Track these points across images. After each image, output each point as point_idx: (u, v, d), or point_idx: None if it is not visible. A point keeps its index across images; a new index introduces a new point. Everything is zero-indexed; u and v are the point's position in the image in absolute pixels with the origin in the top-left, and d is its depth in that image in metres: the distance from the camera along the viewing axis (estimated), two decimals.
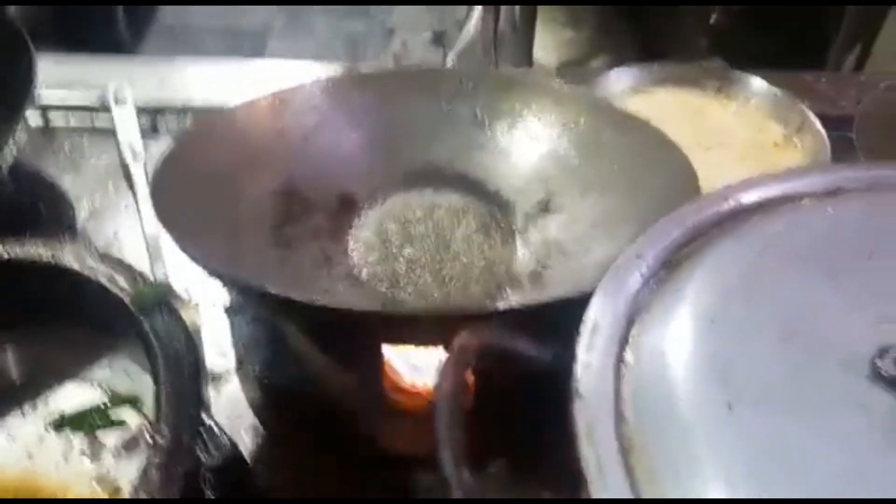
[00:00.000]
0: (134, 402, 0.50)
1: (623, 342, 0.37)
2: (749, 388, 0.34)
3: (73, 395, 0.52)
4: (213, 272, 0.50)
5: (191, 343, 0.44)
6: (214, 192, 0.59)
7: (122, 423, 0.50)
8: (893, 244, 0.40)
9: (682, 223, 0.43)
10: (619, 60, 0.92)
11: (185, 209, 0.54)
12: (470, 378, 0.44)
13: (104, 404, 0.51)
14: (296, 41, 2.46)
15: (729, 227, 0.42)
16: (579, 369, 0.36)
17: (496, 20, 0.75)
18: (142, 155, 0.75)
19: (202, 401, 0.42)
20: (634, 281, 0.40)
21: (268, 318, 0.62)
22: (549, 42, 1.19)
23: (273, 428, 0.57)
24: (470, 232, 0.65)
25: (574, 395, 0.35)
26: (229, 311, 0.63)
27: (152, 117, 0.82)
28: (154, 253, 0.66)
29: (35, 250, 0.50)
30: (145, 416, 0.49)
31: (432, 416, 0.35)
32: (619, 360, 0.37)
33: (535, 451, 0.47)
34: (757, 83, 0.79)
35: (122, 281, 0.46)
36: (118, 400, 0.51)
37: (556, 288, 0.59)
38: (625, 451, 0.34)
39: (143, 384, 0.51)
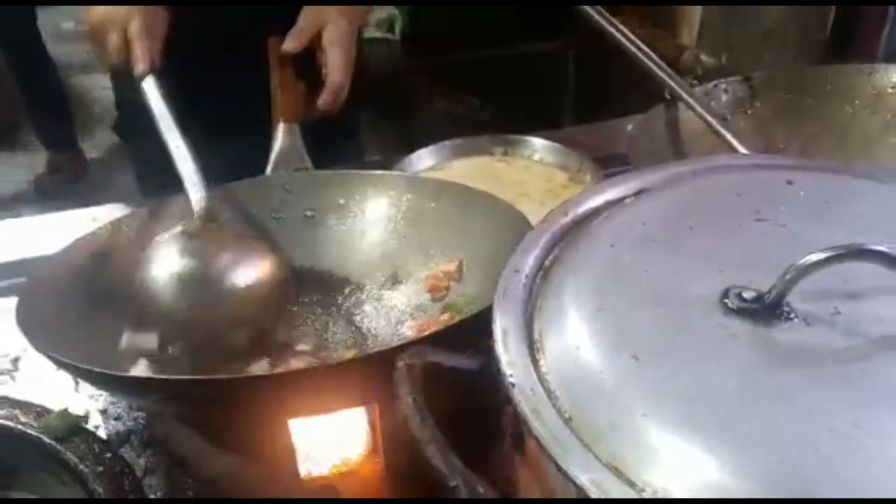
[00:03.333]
0: None
1: (530, 338, 0.43)
2: (644, 342, 0.41)
3: None
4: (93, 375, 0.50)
5: (119, 459, 0.43)
6: (76, 331, 0.59)
7: None
8: (704, 217, 0.50)
9: (539, 239, 0.50)
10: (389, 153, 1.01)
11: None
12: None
13: None
14: None
15: (576, 234, 0.50)
16: (505, 367, 0.41)
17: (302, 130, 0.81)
18: None
19: None
20: (520, 290, 0.46)
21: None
22: None
23: None
24: (325, 321, 0.69)
25: (510, 388, 0.40)
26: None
27: None
28: None
29: None
30: None
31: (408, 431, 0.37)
32: (533, 352, 0.42)
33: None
34: (536, 142, 0.92)
35: (23, 417, 0.44)
36: None
37: None
38: (566, 420, 0.39)
39: None
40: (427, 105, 2.01)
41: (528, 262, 0.48)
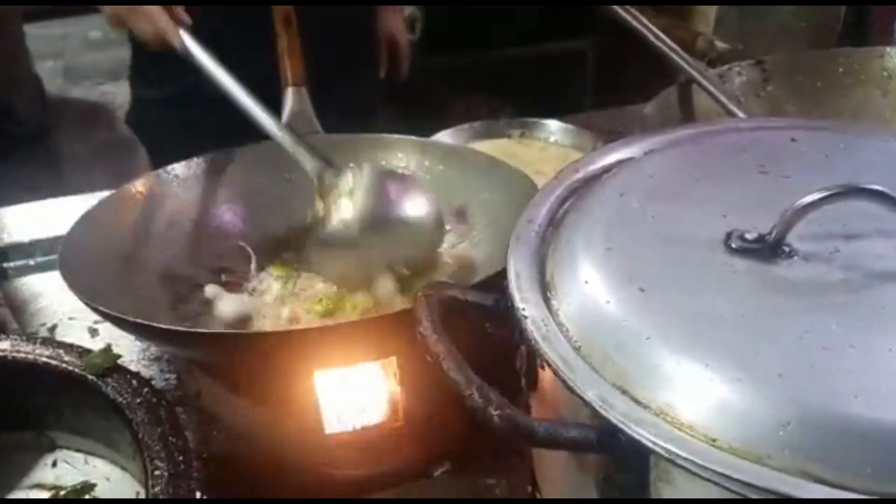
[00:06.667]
0: (85, 489, 0.50)
1: (542, 280, 0.46)
2: (650, 276, 0.43)
3: None
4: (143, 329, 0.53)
5: (155, 392, 0.45)
6: (114, 286, 0.62)
7: None
8: (709, 171, 0.52)
9: (551, 193, 0.52)
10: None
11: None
12: None
13: None
14: None
15: (587, 188, 0.53)
16: (519, 303, 0.43)
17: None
18: None
19: (185, 435, 0.44)
20: (533, 238, 0.49)
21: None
22: None
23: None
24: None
25: (523, 320, 0.42)
26: None
27: None
28: None
29: None
30: None
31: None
32: (544, 290, 0.45)
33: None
34: (552, 124, 0.94)
35: (66, 357, 0.47)
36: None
37: None
38: (576, 348, 0.41)
39: (90, 471, 0.51)
40: (447, 106, 2.04)
41: (541, 213, 0.50)
